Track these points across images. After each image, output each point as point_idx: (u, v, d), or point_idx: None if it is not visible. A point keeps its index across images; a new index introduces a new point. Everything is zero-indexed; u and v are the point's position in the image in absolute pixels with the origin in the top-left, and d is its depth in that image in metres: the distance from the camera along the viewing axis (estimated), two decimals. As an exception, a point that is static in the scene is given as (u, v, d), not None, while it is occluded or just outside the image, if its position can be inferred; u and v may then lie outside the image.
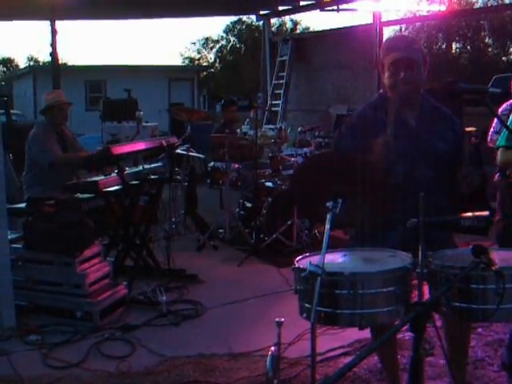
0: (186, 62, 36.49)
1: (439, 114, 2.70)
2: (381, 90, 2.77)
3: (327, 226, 2.11)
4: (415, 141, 2.60)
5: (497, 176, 4.68)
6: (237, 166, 6.44)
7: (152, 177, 5.00)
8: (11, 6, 8.35)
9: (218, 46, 36.39)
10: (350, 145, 2.62)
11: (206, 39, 36.44)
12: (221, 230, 6.33)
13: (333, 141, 2.88)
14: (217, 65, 36.20)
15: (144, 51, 68.57)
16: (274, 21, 25.79)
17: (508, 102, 4.91)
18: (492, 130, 4.95)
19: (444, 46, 27.01)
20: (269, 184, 6.24)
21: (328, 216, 2.11)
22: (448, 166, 2.61)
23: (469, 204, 2.59)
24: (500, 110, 4.91)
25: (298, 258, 2.26)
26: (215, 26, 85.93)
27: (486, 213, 2.47)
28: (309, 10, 12.34)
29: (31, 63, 36.89)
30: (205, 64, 35.57)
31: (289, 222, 5.74)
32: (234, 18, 33.19)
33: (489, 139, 5.08)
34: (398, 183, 2.46)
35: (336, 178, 2.18)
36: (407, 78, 2.54)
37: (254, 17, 15.12)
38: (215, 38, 36.76)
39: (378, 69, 2.70)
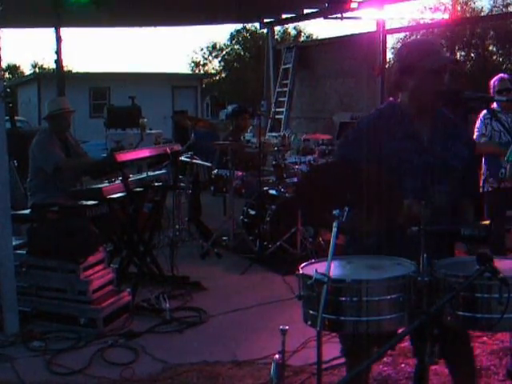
0: (192, 66, 36.67)
1: (453, 127, 2.52)
2: (390, 98, 2.58)
3: (333, 234, 2.11)
4: (428, 155, 2.43)
5: None
6: (240, 173, 6.44)
7: (156, 184, 5.01)
8: (17, 13, 8.40)
9: (222, 53, 36.55)
10: (355, 153, 2.47)
11: (214, 45, 36.59)
12: (224, 238, 6.33)
13: (337, 147, 2.72)
14: (221, 72, 36.35)
15: (148, 58, 68.95)
16: (277, 28, 25.95)
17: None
18: (476, 133, 4.81)
19: (448, 54, 27.08)
20: (272, 192, 6.24)
21: (334, 224, 2.11)
22: (461, 182, 2.48)
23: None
24: (481, 115, 4.83)
25: (302, 265, 2.26)
26: (220, 33, 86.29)
27: (486, 222, 2.45)
28: (312, 18, 12.39)
29: (36, 70, 37.06)
30: (210, 71, 35.72)
31: (293, 230, 5.74)
32: (238, 26, 33.35)
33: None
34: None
35: (342, 187, 2.17)
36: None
37: (257, 25, 15.18)
38: (220, 44, 36.96)
39: (403, 74, 2.44)
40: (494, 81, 4.95)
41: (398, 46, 28.68)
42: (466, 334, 2.57)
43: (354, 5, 9.95)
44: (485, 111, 4.67)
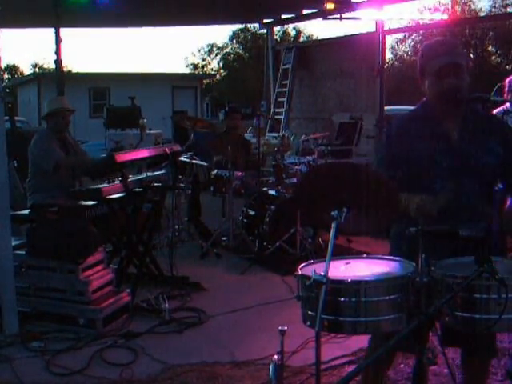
0: (190, 67, 36.69)
1: (487, 123, 2.51)
2: (424, 99, 2.58)
3: (332, 235, 2.11)
4: (458, 155, 2.43)
5: None
6: (240, 173, 6.44)
7: (155, 184, 5.01)
8: (17, 13, 8.40)
9: (222, 53, 36.57)
10: (385, 158, 2.50)
11: (211, 46, 36.64)
12: (224, 238, 6.33)
13: (374, 152, 2.74)
14: (221, 71, 36.35)
15: (148, 59, 68.93)
16: (277, 29, 25.97)
17: (501, 107, 4.86)
18: None
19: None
20: (272, 192, 6.24)
21: (333, 225, 2.11)
22: (497, 179, 2.43)
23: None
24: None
25: (301, 266, 2.26)
26: (219, 33, 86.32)
27: (484, 223, 2.46)
28: (312, 19, 12.38)
29: (36, 70, 37.05)
30: (209, 71, 35.70)
31: (292, 230, 5.74)
32: (238, 26, 33.36)
33: None
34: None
35: (342, 187, 2.17)
36: (455, 85, 2.38)
37: (257, 25, 15.17)
38: (220, 45, 36.99)
39: (421, 76, 2.49)
40: (509, 80, 4.91)
41: (397, 46, 28.78)
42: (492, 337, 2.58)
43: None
44: (497, 110, 4.71)
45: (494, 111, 4.80)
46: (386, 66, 10.51)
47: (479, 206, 2.44)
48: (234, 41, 35.70)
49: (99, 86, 21.96)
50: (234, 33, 35.01)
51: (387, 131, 2.64)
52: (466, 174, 2.42)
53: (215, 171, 6.53)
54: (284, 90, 12.09)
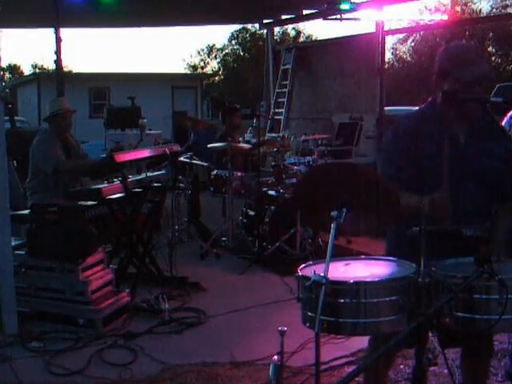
0: (190, 69, 36.65)
1: (492, 129, 2.55)
2: (430, 99, 2.59)
3: (331, 236, 2.11)
4: (464, 158, 2.46)
5: None
6: (240, 174, 6.44)
7: (155, 184, 5.01)
8: (17, 13, 8.41)
9: (222, 54, 36.54)
10: (397, 158, 2.49)
11: (211, 47, 36.63)
12: (224, 238, 6.33)
13: (378, 151, 2.74)
14: (220, 72, 36.32)
15: (148, 59, 68.87)
16: (277, 29, 25.94)
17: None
18: None
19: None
20: (272, 192, 6.24)
21: (332, 225, 2.11)
22: (497, 184, 2.49)
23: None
24: (508, 115, 4.88)
25: (301, 267, 2.26)
26: (219, 34, 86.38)
27: (487, 223, 2.46)
28: (312, 19, 12.39)
29: (36, 70, 37.02)
30: (209, 72, 35.66)
31: (292, 231, 5.74)
32: (237, 27, 33.33)
33: None
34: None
35: (341, 188, 2.17)
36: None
37: (257, 25, 15.19)
38: (219, 45, 36.97)
39: (440, 78, 2.49)
40: None
41: (397, 46, 28.78)
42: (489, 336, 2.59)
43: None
44: (510, 113, 4.72)
45: (508, 115, 4.81)
46: (386, 67, 10.50)
47: (481, 208, 2.46)
48: (234, 41, 35.66)
49: (99, 86, 21.93)
50: (232, 34, 35.01)
51: (394, 131, 2.61)
52: (469, 176, 2.45)
53: (215, 171, 6.53)
54: (284, 90, 12.10)
